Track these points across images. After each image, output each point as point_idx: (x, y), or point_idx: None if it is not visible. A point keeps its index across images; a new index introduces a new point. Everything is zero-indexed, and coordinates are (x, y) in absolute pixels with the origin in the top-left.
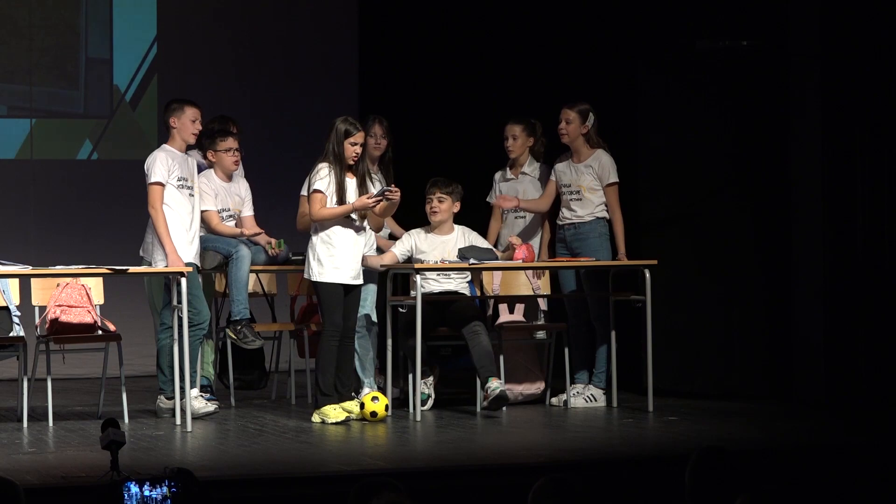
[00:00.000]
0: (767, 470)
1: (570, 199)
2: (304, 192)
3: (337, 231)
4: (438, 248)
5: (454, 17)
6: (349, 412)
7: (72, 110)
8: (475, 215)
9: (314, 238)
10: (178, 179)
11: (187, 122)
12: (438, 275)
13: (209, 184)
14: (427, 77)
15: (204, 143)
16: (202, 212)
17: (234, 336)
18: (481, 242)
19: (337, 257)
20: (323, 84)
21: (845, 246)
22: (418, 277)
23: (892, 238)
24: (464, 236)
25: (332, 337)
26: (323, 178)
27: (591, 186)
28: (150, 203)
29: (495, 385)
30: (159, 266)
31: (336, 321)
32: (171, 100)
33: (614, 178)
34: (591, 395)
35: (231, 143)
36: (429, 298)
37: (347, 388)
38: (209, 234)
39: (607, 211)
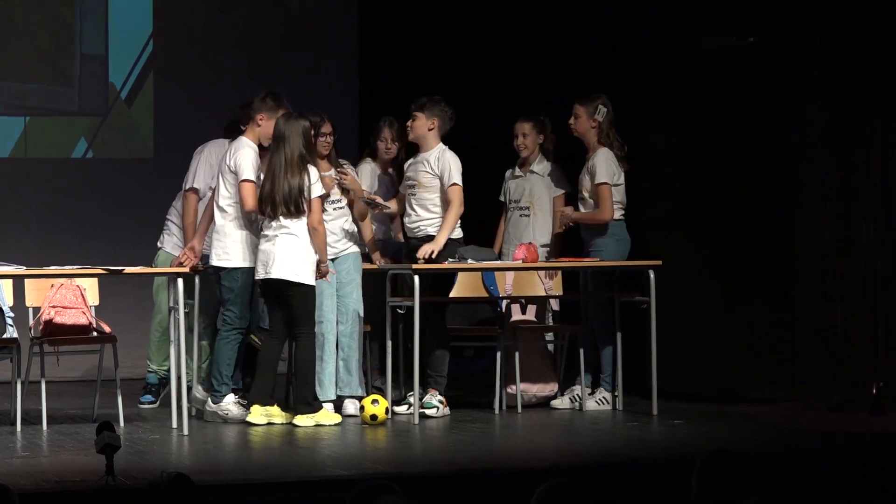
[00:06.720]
0: (774, 473)
1: (579, 200)
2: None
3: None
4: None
5: (454, 15)
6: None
7: (66, 108)
8: (484, 213)
9: (297, 236)
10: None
11: (272, 125)
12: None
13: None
14: (427, 76)
15: (241, 116)
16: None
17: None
18: (450, 165)
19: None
20: (323, 84)
21: (845, 246)
22: (416, 278)
23: (893, 238)
24: (438, 159)
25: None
26: None
27: (588, 187)
28: (243, 201)
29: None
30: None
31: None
32: (269, 93)
33: (601, 179)
34: (604, 398)
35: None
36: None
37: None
38: None
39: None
